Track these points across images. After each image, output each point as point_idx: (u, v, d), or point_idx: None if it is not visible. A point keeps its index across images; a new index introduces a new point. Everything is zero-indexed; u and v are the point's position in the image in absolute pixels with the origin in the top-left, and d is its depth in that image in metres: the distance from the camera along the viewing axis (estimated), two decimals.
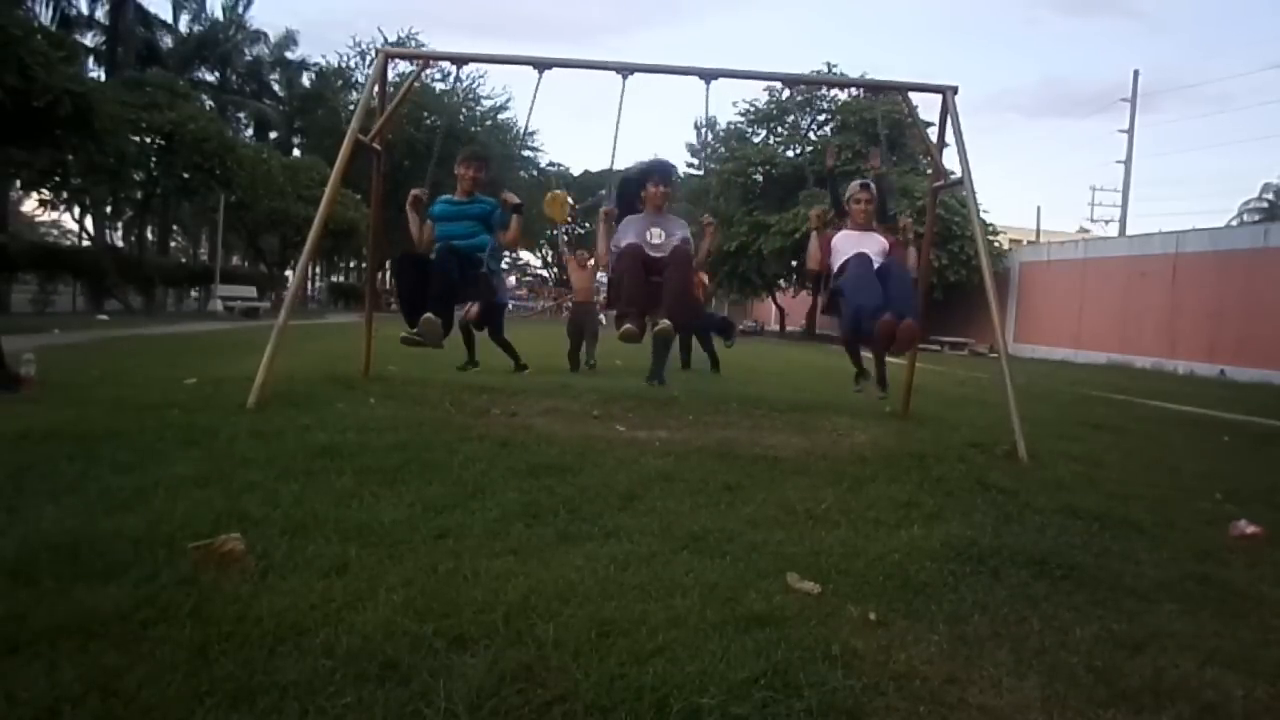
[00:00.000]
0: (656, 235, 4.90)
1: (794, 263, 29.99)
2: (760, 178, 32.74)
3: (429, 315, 4.87)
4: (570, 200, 8.39)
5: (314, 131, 39.55)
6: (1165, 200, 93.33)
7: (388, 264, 7.70)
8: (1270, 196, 42.84)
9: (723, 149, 37.26)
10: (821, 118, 34.99)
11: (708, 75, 6.26)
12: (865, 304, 4.57)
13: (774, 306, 38.80)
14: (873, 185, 5.32)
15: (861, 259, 4.79)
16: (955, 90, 6.24)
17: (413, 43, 38.10)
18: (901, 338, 4.47)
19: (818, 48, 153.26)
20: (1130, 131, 32.89)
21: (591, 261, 10.28)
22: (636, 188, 5.23)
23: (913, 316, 4.50)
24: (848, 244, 5.04)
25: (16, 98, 15.98)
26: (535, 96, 6.68)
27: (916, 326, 4.46)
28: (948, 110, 6.30)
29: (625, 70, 6.18)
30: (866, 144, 29.98)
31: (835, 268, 5.05)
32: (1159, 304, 21.47)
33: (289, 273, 33.99)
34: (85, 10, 30.33)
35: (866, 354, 6.01)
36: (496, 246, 5.51)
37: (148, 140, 24.16)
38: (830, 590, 2.63)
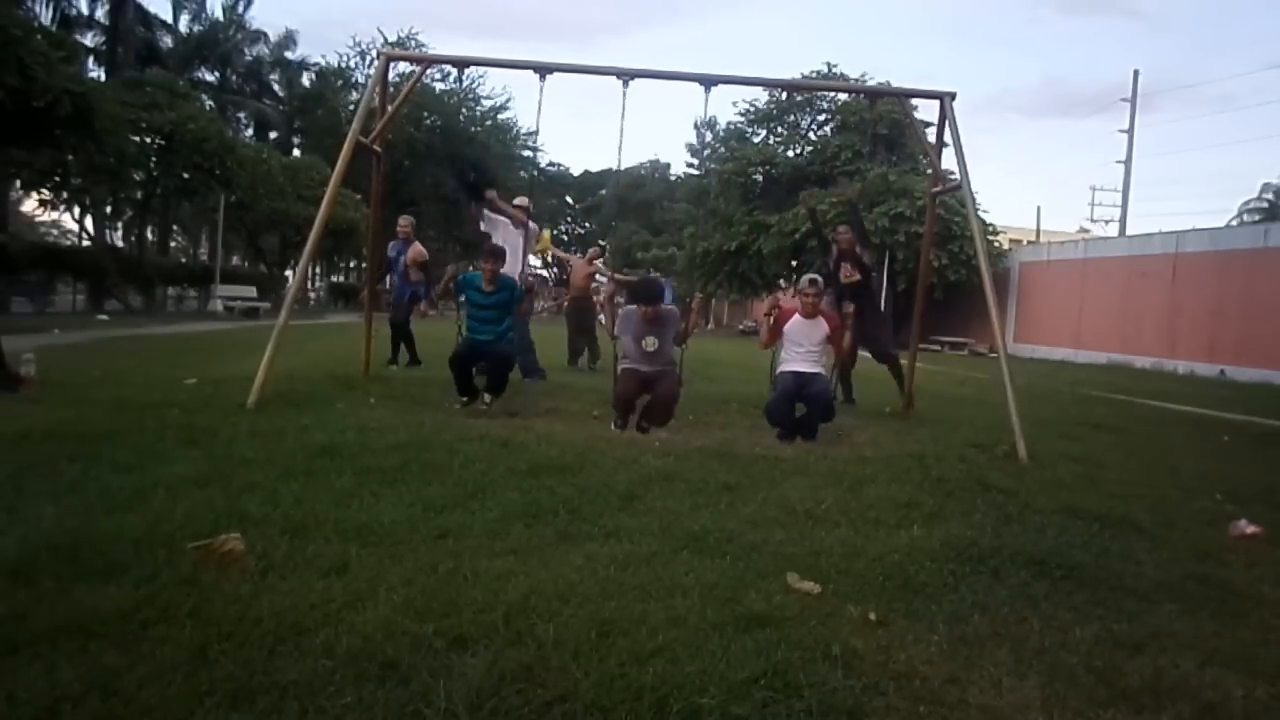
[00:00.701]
0: (650, 344, 5.80)
1: (794, 263, 30.01)
2: (760, 178, 32.72)
3: (484, 400, 6.28)
4: (548, 237, 9.95)
5: (314, 131, 39.52)
6: (1165, 200, 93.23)
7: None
8: (1270, 196, 42.81)
9: (722, 149, 37.23)
10: (822, 117, 34.96)
11: (708, 82, 6.28)
12: (782, 423, 5.72)
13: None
14: (820, 281, 6.17)
15: (787, 383, 5.81)
16: (953, 96, 6.27)
17: (412, 43, 38.08)
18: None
19: (818, 48, 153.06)
20: (1130, 131, 32.87)
21: (597, 261, 10.86)
22: (634, 300, 6.20)
23: (816, 430, 5.74)
24: (798, 332, 5.93)
25: (16, 98, 15.97)
26: (541, 103, 6.76)
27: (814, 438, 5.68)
28: (946, 116, 6.33)
29: (626, 76, 6.20)
30: (867, 144, 30.07)
31: (784, 351, 6.01)
32: (1159, 304, 21.46)
33: (289, 273, 33.98)
34: (85, 10, 30.33)
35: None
36: (514, 320, 6.72)
37: (148, 140, 24.13)
38: (830, 590, 2.63)
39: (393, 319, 9.04)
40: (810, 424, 5.70)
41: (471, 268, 7.16)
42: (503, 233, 8.21)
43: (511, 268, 8.20)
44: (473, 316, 6.41)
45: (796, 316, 5.99)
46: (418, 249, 8.89)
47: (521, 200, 8.92)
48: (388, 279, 9.50)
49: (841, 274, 7.28)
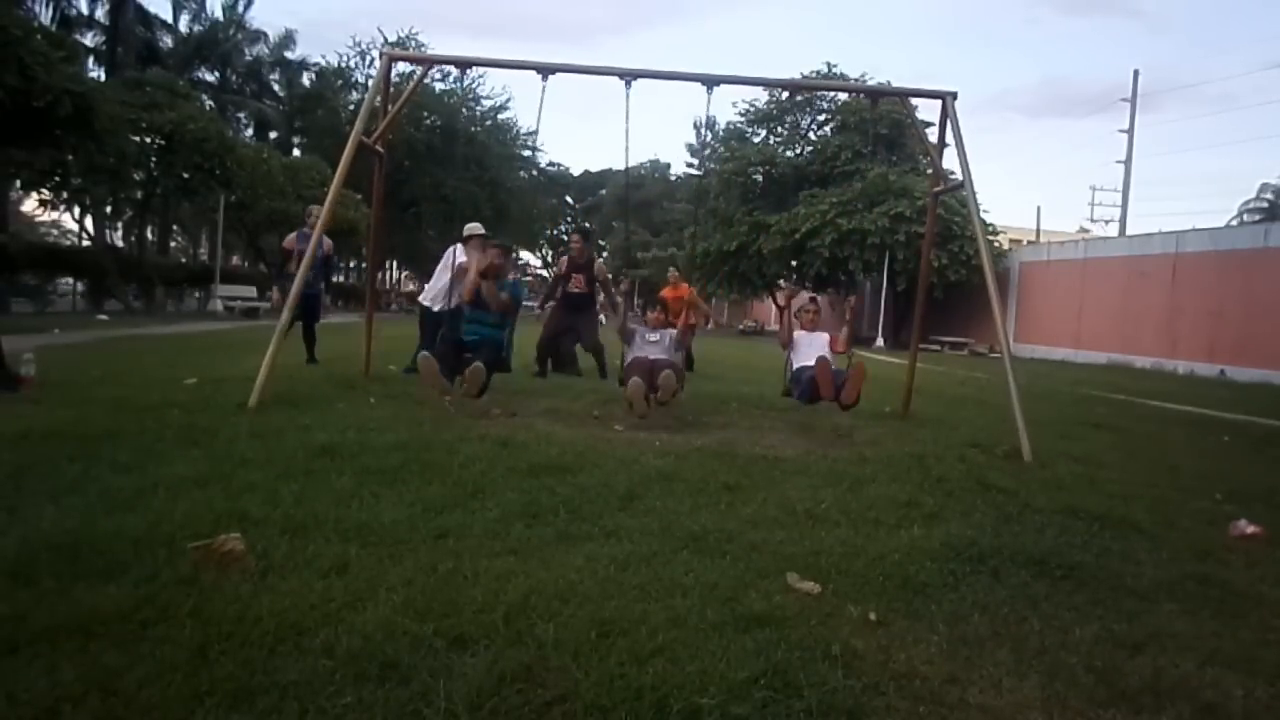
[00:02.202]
0: (655, 337, 6.53)
1: (793, 263, 30.02)
2: (760, 178, 32.73)
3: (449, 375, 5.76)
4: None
5: (314, 131, 39.51)
6: (1165, 200, 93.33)
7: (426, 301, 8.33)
8: (1269, 196, 42.83)
9: (722, 149, 37.22)
10: (821, 118, 34.98)
11: (710, 82, 6.27)
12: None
13: (773, 306, 38.79)
14: (818, 299, 7.06)
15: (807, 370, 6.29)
16: (954, 96, 6.26)
17: (412, 43, 38.09)
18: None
19: (818, 47, 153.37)
20: (1130, 131, 32.88)
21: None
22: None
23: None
24: (804, 341, 6.52)
25: (16, 98, 15.96)
26: (542, 103, 6.67)
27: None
28: (947, 115, 6.32)
29: (629, 76, 6.18)
30: (867, 144, 30.07)
31: (794, 362, 6.42)
32: (1159, 304, 21.46)
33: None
34: (85, 10, 30.33)
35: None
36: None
37: (148, 140, 24.12)
38: (830, 590, 2.63)
39: (308, 320, 8.60)
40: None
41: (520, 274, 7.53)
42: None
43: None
44: (470, 319, 6.14)
45: (800, 331, 6.64)
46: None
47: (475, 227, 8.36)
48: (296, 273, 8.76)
49: (572, 284, 7.98)
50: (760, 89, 34.86)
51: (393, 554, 2.70)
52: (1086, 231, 40.29)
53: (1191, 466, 5.52)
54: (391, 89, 7.07)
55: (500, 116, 41.69)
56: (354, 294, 39.45)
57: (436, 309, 8.13)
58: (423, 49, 34.76)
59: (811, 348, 6.39)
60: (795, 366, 6.42)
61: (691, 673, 1.95)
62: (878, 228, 26.60)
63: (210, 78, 37.12)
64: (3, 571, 2.33)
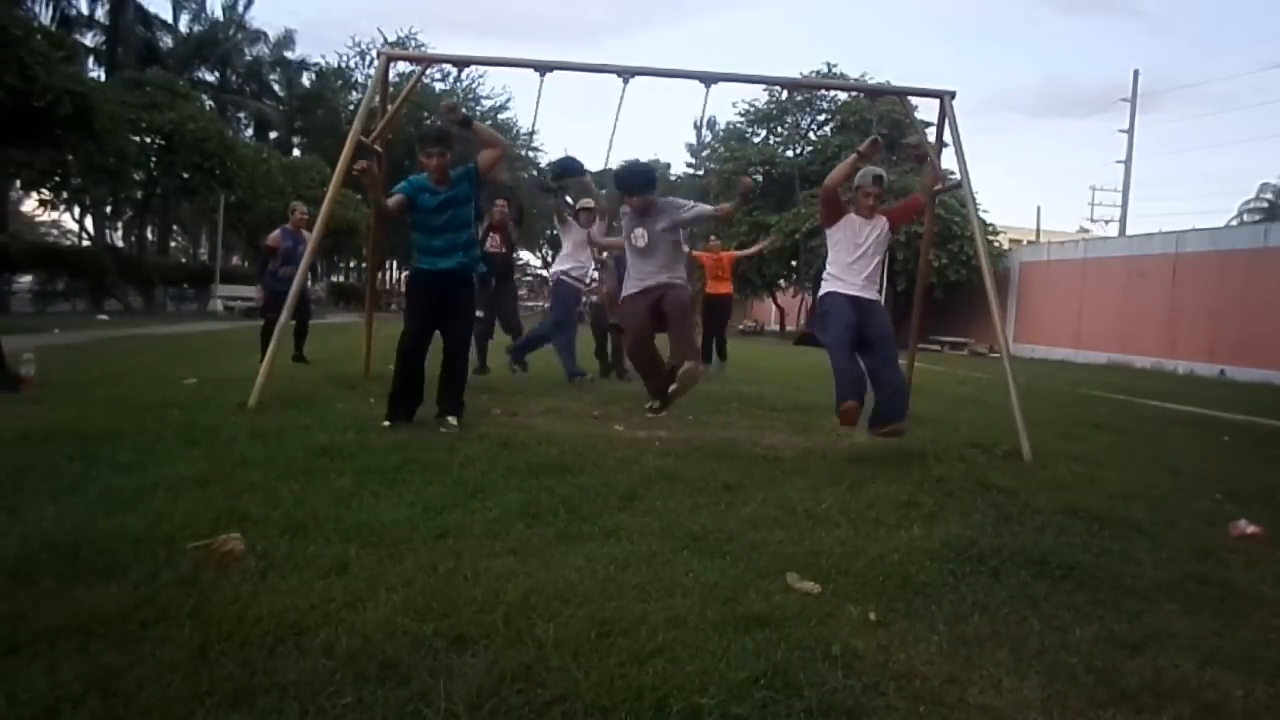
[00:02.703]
0: (640, 238, 5.32)
1: (793, 262, 30.03)
2: (760, 178, 32.75)
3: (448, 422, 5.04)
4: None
5: (314, 131, 39.52)
6: (1165, 200, 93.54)
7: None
8: (1269, 196, 42.88)
9: (722, 149, 37.25)
10: (821, 118, 34.99)
11: (708, 80, 6.27)
12: (846, 367, 4.88)
13: (774, 306, 38.83)
14: (885, 177, 5.32)
15: (843, 311, 4.93)
16: (953, 95, 6.27)
17: (412, 42, 38.12)
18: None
19: (818, 47, 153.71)
20: (1130, 131, 32.90)
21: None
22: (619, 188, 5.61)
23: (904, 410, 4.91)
24: (850, 230, 5.10)
25: (16, 98, 15.98)
26: (539, 100, 6.68)
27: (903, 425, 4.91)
28: (945, 114, 6.33)
29: (626, 74, 6.19)
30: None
31: (831, 260, 5.13)
32: (1159, 304, 21.46)
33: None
34: (85, 10, 30.38)
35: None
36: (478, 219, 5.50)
37: (148, 140, 24.18)
38: (830, 590, 2.63)
39: (300, 318, 8.77)
40: (893, 408, 4.75)
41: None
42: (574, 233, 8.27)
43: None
44: (420, 229, 5.05)
45: (849, 215, 5.08)
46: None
47: (587, 202, 8.45)
48: (280, 270, 8.75)
49: (489, 244, 7.96)
50: (760, 88, 34.94)
51: (393, 554, 2.70)
52: (1086, 231, 40.33)
53: (1191, 466, 5.52)
54: (390, 88, 7.07)
55: (500, 116, 41.70)
56: (354, 294, 39.42)
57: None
58: (422, 49, 34.75)
59: (856, 250, 4.92)
60: (827, 288, 5.02)
61: (691, 673, 1.95)
62: None
63: (210, 78, 37.17)
64: (3, 571, 2.33)
